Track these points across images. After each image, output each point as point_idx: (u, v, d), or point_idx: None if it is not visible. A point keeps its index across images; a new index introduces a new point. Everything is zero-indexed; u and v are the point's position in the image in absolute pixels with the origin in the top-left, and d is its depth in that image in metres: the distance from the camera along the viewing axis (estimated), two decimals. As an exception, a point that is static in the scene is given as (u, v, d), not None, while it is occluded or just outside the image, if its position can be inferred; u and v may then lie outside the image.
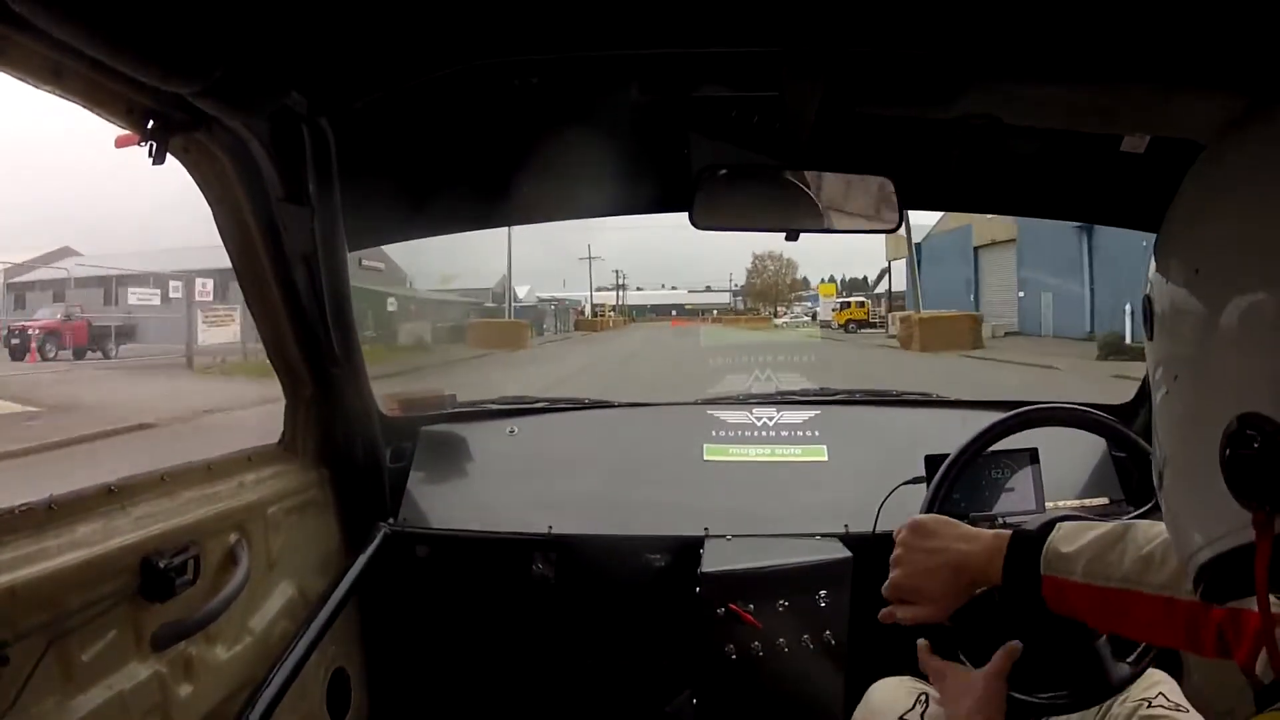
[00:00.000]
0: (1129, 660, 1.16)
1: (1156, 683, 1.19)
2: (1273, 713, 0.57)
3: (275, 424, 1.52)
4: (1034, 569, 0.93)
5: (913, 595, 1.00)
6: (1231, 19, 0.82)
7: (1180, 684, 1.23)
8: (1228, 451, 0.53)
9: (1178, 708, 1.15)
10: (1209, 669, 1.28)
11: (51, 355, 16.74)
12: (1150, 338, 0.62)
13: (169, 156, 1.09)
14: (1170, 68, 0.90)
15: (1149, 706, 1.14)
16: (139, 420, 9.49)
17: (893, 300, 31.49)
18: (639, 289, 56.50)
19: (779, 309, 49.23)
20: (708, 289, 58.15)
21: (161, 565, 1.03)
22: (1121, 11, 0.89)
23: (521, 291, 38.23)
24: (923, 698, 1.12)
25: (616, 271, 51.57)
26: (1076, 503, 1.48)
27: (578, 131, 1.39)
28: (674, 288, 58.76)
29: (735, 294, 57.00)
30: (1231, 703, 1.13)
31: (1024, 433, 1.30)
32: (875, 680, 1.26)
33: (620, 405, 2.01)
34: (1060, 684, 1.15)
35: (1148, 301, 0.62)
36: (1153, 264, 0.63)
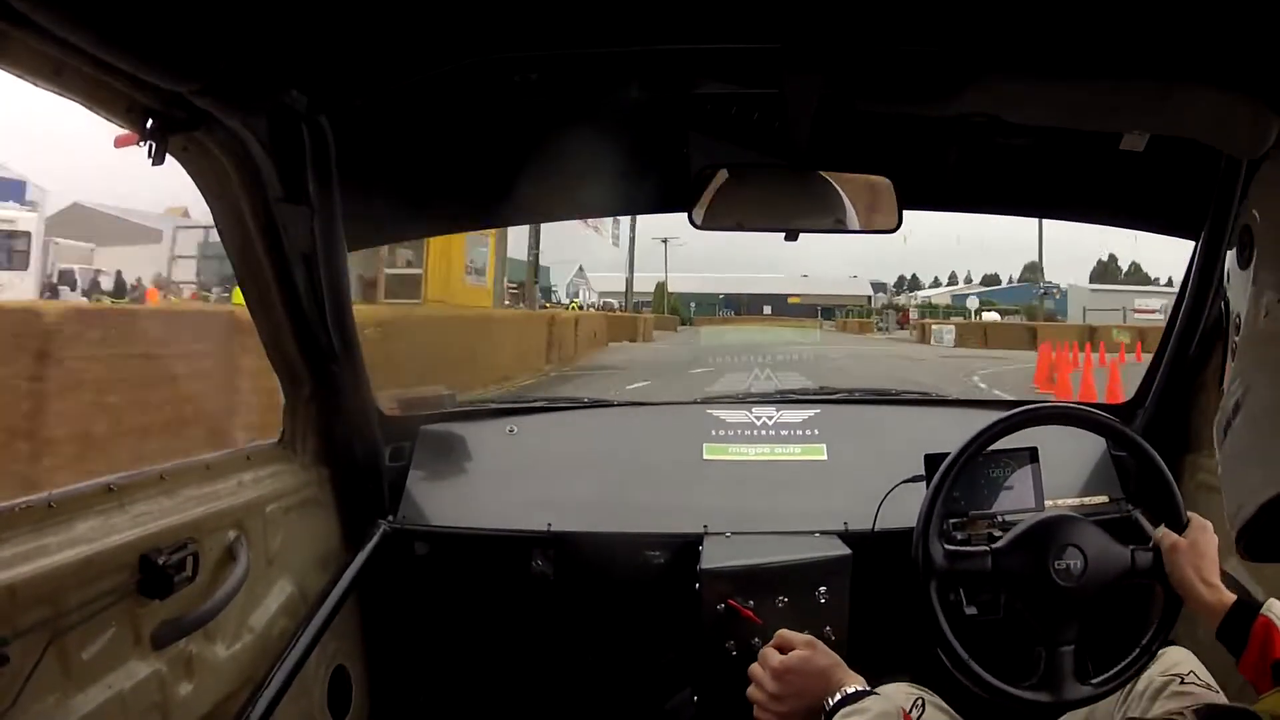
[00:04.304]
0: (1093, 682, 1.16)
1: (1178, 661, 1.16)
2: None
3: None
4: None
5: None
6: (1232, 17, 0.82)
7: None
8: None
9: (1209, 687, 1.12)
10: (1212, 666, 1.27)
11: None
12: (1244, 267, 0.61)
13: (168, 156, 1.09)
14: (1171, 65, 0.91)
15: (1181, 683, 1.11)
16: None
17: None
18: (707, 275, 35.85)
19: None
20: (804, 277, 40.56)
21: (160, 562, 1.03)
22: (1122, 9, 0.90)
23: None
24: (919, 702, 1.11)
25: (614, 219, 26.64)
26: (1076, 501, 1.48)
27: (577, 129, 1.39)
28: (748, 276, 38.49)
29: (881, 288, 39.71)
30: (1233, 695, 1.13)
31: (1023, 432, 1.30)
32: (874, 676, 1.26)
33: (620, 404, 2.01)
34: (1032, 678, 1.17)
35: (1246, 232, 0.61)
36: (1252, 196, 0.62)
